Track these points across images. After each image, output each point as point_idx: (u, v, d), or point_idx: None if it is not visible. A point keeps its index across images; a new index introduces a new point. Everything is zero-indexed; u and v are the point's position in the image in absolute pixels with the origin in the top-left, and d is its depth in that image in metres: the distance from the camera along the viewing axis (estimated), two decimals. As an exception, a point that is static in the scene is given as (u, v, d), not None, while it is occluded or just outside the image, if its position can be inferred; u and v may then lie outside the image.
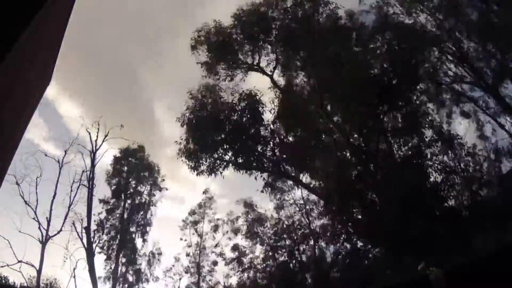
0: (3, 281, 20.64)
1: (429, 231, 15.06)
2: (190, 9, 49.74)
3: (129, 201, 31.88)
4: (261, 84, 23.90)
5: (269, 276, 26.41)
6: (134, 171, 32.42)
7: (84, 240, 26.56)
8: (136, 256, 30.61)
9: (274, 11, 21.93)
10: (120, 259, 29.77)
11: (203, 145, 21.24)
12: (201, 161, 21.51)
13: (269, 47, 22.69)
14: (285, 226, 27.28)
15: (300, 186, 24.55)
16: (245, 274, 27.34)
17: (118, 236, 30.03)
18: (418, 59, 20.41)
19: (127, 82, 51.75)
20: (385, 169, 19.77)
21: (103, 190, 32.29)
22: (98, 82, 47.02)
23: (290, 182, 25.79)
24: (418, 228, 15.10)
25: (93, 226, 28.14)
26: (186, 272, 30.56)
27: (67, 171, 32.92)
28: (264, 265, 27.07)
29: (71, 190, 27.52)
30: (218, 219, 31.36)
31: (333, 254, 24.17)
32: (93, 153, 28.79)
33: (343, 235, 21.77)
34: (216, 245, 30.39)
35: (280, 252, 26.68)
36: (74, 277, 26.10)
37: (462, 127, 23.74)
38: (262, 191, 22.29)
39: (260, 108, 22.20)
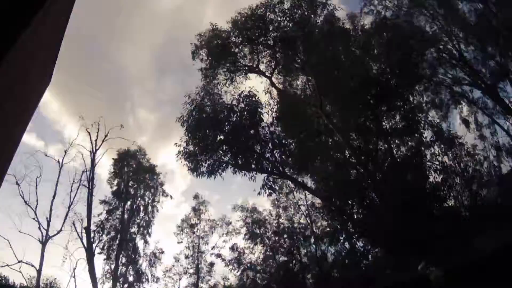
0: (3, 281, 20.64)
1: (429, 231, 15.06)
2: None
3: (129, 202, 31.85)
4: (260, 85, 23.91)
5: (269, 276, 26.42)
6: (134, 172, 32.39)
7: (84, 240, 26.57)
8: (137, 256, 30.59)
9: (272, 13, 21.94)
10: (120, 259, 29.76)
11: (203, 147, 21.24)
12: (200, 163, 21.52)
13: (268, 49, 22.71)
14: (285, 226, 27.29)
15: (299, 187, 24.54)
16: (245, 274, 27.34)
17: (118, 236, 30.01)
18: (417, 60, 20.43)
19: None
20: (384, 169, 19.79)
21: (103, 190, 32.33)
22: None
23: (289, 183, 25.78)
24: (418, 228, 15.11)
25: (93, 226, 28.19)
26: (185, 273, 30.58)
27: (67, 171, 32.91)
28: (264, 265, 27.08)
29: (71, 190, 27.57)
30: (213, 220, 31.42)
31: (333, 254, 24.18)
32: (93, 153, 28.82)
33: (343, 235, 21.79)
34: (213, 247, 30.45)
35: (280, 252, 26.69)
36: (74, 277, 26.15)
37: (461, 128, 23.75)
38: (259, 193, 22.32)
39: (259, 110, 22.22)
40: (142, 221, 31.83)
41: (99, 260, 28.67)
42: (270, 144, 22.18)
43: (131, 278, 29.91)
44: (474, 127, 23.51)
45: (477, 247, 13.85)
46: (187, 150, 21.43)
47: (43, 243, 25.32)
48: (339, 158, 20.73)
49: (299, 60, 22.34)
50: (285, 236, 26.80)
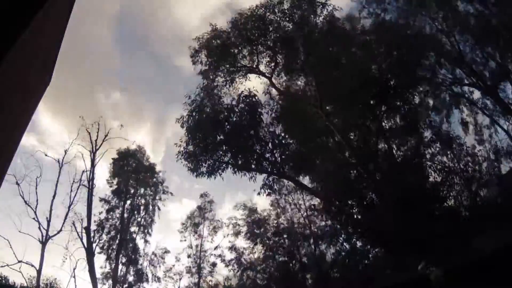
0: (3, 281, 20.62)
1: (429, 231, 15.06)
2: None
3: (129, 202, 31.87)
4: (260, 86, 23.93)
5: (269, 276, 26.43)
6: (134, 172, 32.40)
7: (84, 240, 26.57)
8: (137, 256, 30.59)
9: (272, 13, 21.95)
10: (120, 259, 29.76)
11: (203, 147, 21.26)
12: (200, 163, 21.53)
13: (268, 49, 22.72)
14: (285, 226, 27.30)
15: (299, 187, 24.55)
16: (245, 274, 27.35)
17: (118, 236, 30.02)
18: (416, 60, 20.44)
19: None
20: (384, 169, 19.79)
21: (103, 190, 32.34)
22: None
23: (289, 183, 25.79)
24: (418, 228, 15.11)
25: (93, 226, 28.20)
26: (187, 272, 30.58)
27: (67, 171, 32.92)
28: (264, 265, 27.08)
29: (71, 190, 27.57)
30: (218, 221, 31.42)
31: (333, 254, 24.17)
32: (93, 153, 28.83)
33: (343, 235, 21.80)
34: (216, 247, 30.45)
35: (280, 252, 26.70)
36: (74, 277, 26.15)
37: (461, 128, 23.74)
38: (259, 193, 22.34)
39: (259, 110, 22.24)
40: (143, 220, 31.85)
41: (99, 260, 28.73)
42: (270, 144, 22.21)
43: (131, 278, 29.94)
44: (474, 127, 23.52)
45: (477, 247, 13.85)
46: (187, 150, 21.45)
47: (43, 243, 25.32)
48: (339, 158, 20.72)
49: (298, 61, 22.35)
50: (285, 236, 26.80)
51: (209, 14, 53.31)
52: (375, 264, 20.04)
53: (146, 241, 31.32)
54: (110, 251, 29.44)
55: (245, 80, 23.68)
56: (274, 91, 23.59)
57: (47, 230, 25.79)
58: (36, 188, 26.35)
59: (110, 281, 28.74)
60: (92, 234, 27.36)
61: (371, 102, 19.75)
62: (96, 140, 29.04)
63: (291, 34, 21.42)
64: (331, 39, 21.08)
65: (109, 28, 49.42)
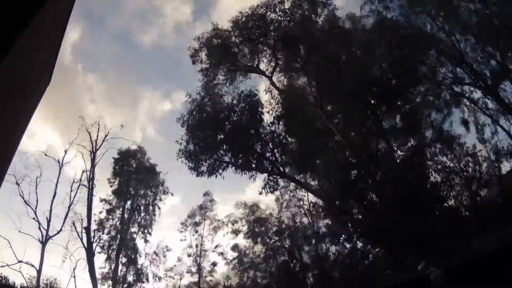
0: (3, 281, 20.63)
1: (429, 231, 15.06)
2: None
3: (129, 202, 31.85)
4: (260, 85, 23.95)
5: (270, 276, 26.43)
6: (134, 172, 32.39)
7: (84, 240, 26.58)
8: (137, 256, 30.60)
9: (273, 12, 21.95)
10: (120, 259, 29.76)
11: (203, 146, 21.27)
12: (201, 162, 21.53)
13: (268, 48, 22.72)
14: (285, 226, 27.30)
15: (300, 186, 24.56)
16: (246, 274, 27.36)
17: (118, 236, 30.02)
18: (417, 60, 20.42)
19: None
20: (385, 169, 19.78)
21: (103, 190, 32.33)
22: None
23: (290, 183, 25.79)
24: (418, 228, 15.10)
25: (93, 226, 28.20)
26: (188, 272, 30.58)
27: (67, 171, 32.93)
28: (265, 264, 27.09)
29: (71, 190, 27.59)
30: (219, 220, 31.39)
31: (334, 254, 24.18)
32: (93, 153, 28.82)
33: (344, 235, 21.79)
34: (216, 246, 30.43)
35: (280, 252, 26.71)
36: (74, 277, 26.15)
37: (461, 128, 23.71)
38: (260, 193, 22.35)
39: (259, 109, 22.23)
40: (143, 220, 31.83)
41: (99, 260, 28.72)
42: (270, 144, 22.20)
43: (131, 278, 29.93)
44: (474, 127, 23.48)
45: (477, 247, 13.85)
46: (188, 149, 21.45)
47: (43, 243, 25.33)
48: (339, 158, 20.70)
49: (299, 60, 22.35)
50: (286, 235, 26.81)
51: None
52: (375, 264, 20.02)
53: (146, 241, 31.32)
54: (110, 251, 29.44)
55: (246, 79, 23.72)
56: (274, 91, 23.61)
57: (47, 230, 25.83)
58: (36, 188, 26.44)
59: (110, 281, 28.73)
60: (92, 234, 27.36)
61: (372, 101, 19.73)
62: (96, 140, 29.09)
63: (292, 34, 21.41)
64: (331, 38, 21.07)
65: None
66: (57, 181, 27.54)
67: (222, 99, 22.61)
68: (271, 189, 22.98)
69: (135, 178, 32.27)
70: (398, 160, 20.43)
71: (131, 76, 54.16)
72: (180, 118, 21.77)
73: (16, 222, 28.05)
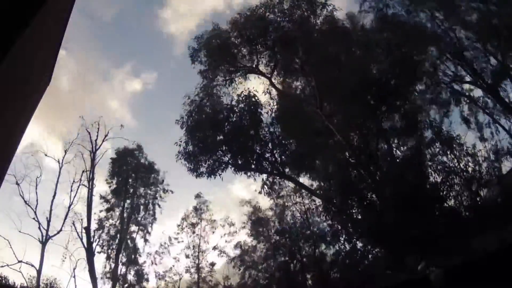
0: (3, 281, 20.63)
1: (429, 231, 15.06)
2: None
3: (128, 201, 31.81)
4: (260, 86, 23.94)
5: (270, 276, 26.42)
6: (133, 171, 32.34)
7: (84, 240, 26.58)
8: (137, 256, 30.57)
9: (272, 13, 21.94)
10: (120, 259, 29.74)
11: (202, 147, 21.25)
12: (200, 163, 21.52)
13: (267, 49, 22.72)
14: (285, 226, 27.29)
15: (299, 187, 24.55)
16: (246, 274, 27.35)
17: (118, 235, 30.00)
18: (417, 58, 20.41)
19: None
20: (385, 169, 19.78)
21: (103, 190, 32.28)
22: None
23: (289, 183, 25.79)
24: (418, 228, 15.10)
25: (93, 226, 28.20)
26: (186, 272, 30.57)
27: (67, 171, 32.94)
28: (265, 265, 27.08)
29: (71, 190, 27.60)
30: (214, 221, 31.42)
31: (334, 255, 24.16)
32: (93, 153, 28.82)
33: (343, 235, 21.78)
34: (214, 247, 30.44)
35: (280, 252, 26.69)
36: (74, 277, 26.15)
37: (461, 127, 23.71)
38: (259, 192, 22.35)
39: (259, 110, 22.22)
40: (142, 219, 31.80)
41: (99, 260, 28.71)
42: (270, 144, 22.19)
43: (131, 278, 29.92)
44: (474, 126, 23.46)
45: (477, 247, 13.85)
46: (187, 150, 21.44)
47: (43, 243, 25.33)
48: (339, 158, 20.70)
49: (298, 61, 22.35)
50: (286, 235, 26.79)
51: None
52: (375, 264, 20.02)
53: (146, 241, 31.30)
54: (110, 250, 29.43)
55: (245, 80, 23.71)
56: (274, 91, 23.61)
57: (47, 230, 25.83)
58: (36, 188, 26.45)
59: (110, 281, 28.71)
60: (92, 234, 27.36)
61: (371, 102, 19.72)
62: (96, 140, 29.09)
63: (291, 34, 21.40)
64: (331, 38, 21.08)
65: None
66: (57, 181, 27.60)
67: (221, 100, 22.62)
68: (270, 189, 23.03)
69: (134, 177, 32.22)
70: (398, 160, 20.42)
71: (96, 51, 52.48)
72: (178, 120, 21.76)
73: (16, 222, 27.99)
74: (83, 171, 28.36)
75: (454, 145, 19.93)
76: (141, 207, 32.12)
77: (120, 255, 29.78)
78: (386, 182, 18.29)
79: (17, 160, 24.90)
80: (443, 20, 22.78)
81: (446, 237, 14.86)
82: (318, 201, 24.72)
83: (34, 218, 25.66)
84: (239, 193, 59.01)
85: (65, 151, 28.47)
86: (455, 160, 19.74)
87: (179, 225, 31.69)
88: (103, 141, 29.26)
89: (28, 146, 29.55)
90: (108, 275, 28.78)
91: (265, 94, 23.68)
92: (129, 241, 30.77)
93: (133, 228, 31.40)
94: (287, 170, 22.68)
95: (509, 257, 10.56)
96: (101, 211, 29.99)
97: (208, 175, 21.63)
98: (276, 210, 27.93)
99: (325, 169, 21.32)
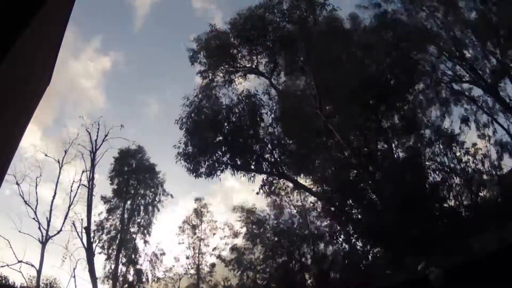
0: (3, 281, 20.62)
1: (429, 231, 15.06)
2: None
3: (129, 202, 31.80)
4: (259, 86, 23.94)
5: (269, 276, 26.39)
6: (134, 172, 32.33)
7: (84, 240, 26.56)
8: (137, 256, 30.55)
9: (271, 14, 21.94)
10: (120, 259, 29.71)
11: (202, 148, 21.24)
12: (199, 164, 21.51)
13: (267, 50, 22.72)
14: (284, 226, 27.25)
15: (299, 187, 24.53)
16: (245, 275, 27.31)
17: (118, 236, 29.98)
18: (416, 58, 20.43)
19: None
20: (384, 169, 19.78)
21: (103, 190, 32.30)
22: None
23: (289, 184, 25.76)
24: (418, 228, 15.11)
25: (93, 226, 28.16)
26: (186, 273, 30.55)
27: (67, 171, 32.96)
28: (264, 265, 27.04)
29: (71, 190, 27.57)
30: (215, 221, 31.44)
31: (333, 255, 24.14)
32: (93, 153, 28.80)
33: (343, 235, 21.77)
34: (214, 248, 30.44)
35: (279, 252, 26.65)
36: (74, 277, 26.11)
37: (461, 127, 23.68)
38: (257, 193, 22.36)
39: (258, 110, 22.21)
40: (143, 220, 31.78)
41: (99, 260, 28.70)
42: (269, 145, 22.19)
43: (131, 278, 29.88)
44: (474, 126, 23.46)
45: (477, 247, 13.86)
46: (186, 151, 21.43)
47: (43, 243, 25.30)
48: (339, 158, 20.71)
49: (298, 61, 22.35)
50: (285, 236, 26.76)
51: None
52: (375, 264, 20.01)
53: (146, 241, 31.27)
54: (110, 251, 29.40)
55: (244, 80, 23.71)
56: (273, 91, 23.60)
57: (47, 230, 25.79)
58: (36, 188, 26.40)
59: (110, 281, 28.69)
60: (92, 234, 27.34)
61: (371, 102, 19.73)
62: (96, 140, 29.07)
63: (291, 35, 21.41)
64: (330, 39, 21.08)
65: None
66: (57, 181, 27.57)
67: (220, 100, 22.61)
68: (269, 189, 23.02)
69: (135, 178, 32.20)
70: (397, 160, 20.42)
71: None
72: (178, 120, 21.76)
73: (16, 222, 28.01)
74: (83, 171, 28.37)
75: (454, 145, 19.95)
76: (142, 208, 32.12)
77: (120, 255, 29.77)
78: (385, 182, 18.30)
79: (17, 160, 24.89)
80: (443, 19, 22.78)
81: (446, 237, 14.87)
82: (317, 201, 24.72)
83: (34, 218, 25.63)
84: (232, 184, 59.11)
85: (65, 151, 28.43)
86: (455, 160, 19.76)
87: (180, 227, 31.72)
88: (103, 141, 29.24)
89: (28, 146, 29.56)
90: (108, 275, 28.73)
91: (264, 95, 23.70)
92: (129, 241, 30.74)
93: (133, 229, 31.39)
94: (286, 170, 22.66)
95: (509, 257, 10.57)
96: (100, 212, 30.00)
97: (207, 176, 21.64)
98: (274, 211, 27.90)
99: (324, 169, 21.31)
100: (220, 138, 21.54)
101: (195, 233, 31.43)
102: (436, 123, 21.89)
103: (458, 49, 22.37)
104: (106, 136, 29.24)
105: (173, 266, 30.86)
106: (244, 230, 28.55)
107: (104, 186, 31.42)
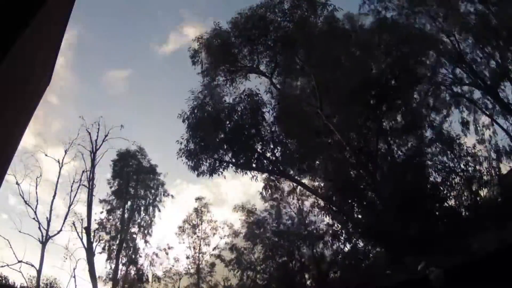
0: (3, 281, 20.63)
1: (429, 231, 15.07)
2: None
3: (129, 202, 31.79)
4: (260, 86, 23.92)
5: (269, 276, 26.41)
6: (134, 172, 32.32)
7: (84, 240, 26.57)
8: (137, 256, 30.56)
9: (272, 13, 21.94)
10: (120, 259, 29.72)
11: (204, 146, 21.25)
12: (201, 162, 21.51)
13: (268, 49, 22.71)
14: (285, 226, 27.27)
15: (300, 186, 24.55)
16: (245, 274, 27.33)
17: (119, 236, 29.99)
18: (417, 60, 20.43)
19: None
20: (384, 169, 19.80)
21: (103, 190, 32.33)
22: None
23: (290, 183, 25.79)
24: (418, 228, 15.11)
25: (93, 226, 28.17)
26: (186, 273, 30.56)
27: (67, 171, 32.95)
28: (264, 265, 27.06)
29: (71, 190, 27.57)
30: (216, 221, 31.44)
31: (333, 255, 24.15)
32: (93, 153, 28.80)
33: (343, 235, 21.79)
34: (214, 248, 30.44)
35: (279, 252, 26.67)
36: (74, 277, 26.12)
37: (461, 128, 23.71)
38: (260, 193, 22.38)
39: (260, 109, 22.23)
40: (143, 221, 31.78)
41: (99, 260, 28.70)
42: (270, 144, 22.19)
43: (131, 278, 29.89)
44: (474, 127, 23.50)
45: (477, 246, 13.86)
46: (188, 148, 21.43)
47: (43, 243, 25.30)
48: (339, 158, 20.71)
49: (299, 61, 22.35)
50: (285, 236, 26.77)
51: None
52: (375, 264, 20.03)
53: (146, 242, 31.28)
54: (110, 251, 29.41)
55: (245, 80, 23.70)
56: (274, 91, 23.59)
57: (47, 230, 25.80)
58: (36, 188, 26.41)
59: (110, 281, 28.70)
60: (92, 234, 27.34)
61: (371, 102, 19.74)
62: (96, 140, 29.08)
63: (292, 34, 21.41)
64: (331, 39, 21.08)
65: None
66: (57, 181, 27.57)
67: (223, 99, 22.60)
68: (271, 189, 23.03)
69: (135, 178, 32.20)
70: (398, 160, 20.43)
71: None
72: (181, 115, 21.75)
73: (16, 222, 28.06)
74: (83, 171, 28.36)
75: (454, 146, 19.98)
76: (142, 208, 32.13)
77: (120, 255, 29.78)
78: (386, 182, 18.30)
79: (17, 160, 24.89)
80: (442, 22, 22.82)
81: (446, 237, 14.88)
82: (318, 201, 24.74)
83: (34, 218, 25.63)
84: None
85: (65, 151, 28.44)
86: (455, 160, 19.79)
87: (180, 227, 31.71)
88: (103, 141, 29.24)
89: (28, 146, 29.57)
90: (108, 275, 28.74)
91: (266, 94, 23.69)
92: (129, 241, 30.75)
93: (134, 229, 31.39)
94: (287, 169, 22.67)
95: (509, 257, 10.57)
96: (101, 212, 30.00)
97: (209, 174, 21.65)
98: (274, 210, 27.90)
99: (325, 168, 21.32)
100: (222, 136, 21.55)
101: (195, 233, 31.45)
102: (436, 124, 21.94)
103: (458, 51, 22.41)
104: (106, 136, 29.26)
105: (173, 266, 30.92)
106: (244, 230, 28.61)
107: (104, 186, 31.39)
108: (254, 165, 21.96)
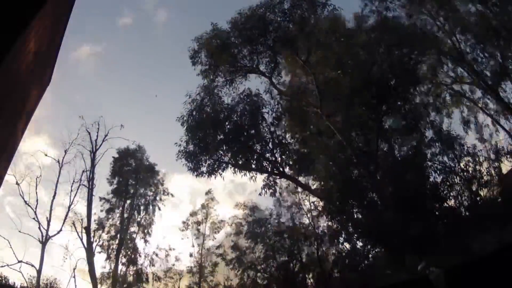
0: (3, 281, 20.64)
1: (429, 231, 15.06)
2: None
3: (129, 201, 31.78)
4: (260, 86, 23.94)
5: (270, 276, 26.40)
6: (134, 171, 32.31)
7: (84, 240, 26.58)
8: (137, 256, 30.54)
9: (272, 13, 21.92)
10: (120, 259, 29.72)
11: (203, 146, 21.25)
12: (200, 163, 21.52)
13: (268, 49, 22.70)
14: (285, 226, 27.26)
15: (300, 187, 24.54)
16: (246, 274, 27.31)
17: (118, 235, 29.99)
18: (417, 60, 20.43)
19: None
20: (385, 169, 19.78)
21: (103, 190, 32.32)
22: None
23: (290, 183, 25.76)
24: (418, 228, 15.10)
25: (93, 226, 28.17)
26: (188, 272, 30.48)
27: (67, 171, 32.96)
28: (265, 265, 27.05)
29: (71, 190, 27.59)
30: (221, 221, 31.33)
31: (334, 254, 24.13)
32: (93, 153, 28.82)
33: (344, 235, 21.77)
34: (217, 247, 30.36)
35: (280, 252, 26.66)
36: (74, 277, 26.14)
37: (462, 127, 23.72)
38: (260, 193, 22.37)
39: (259, 109, 22.22)
40: (143, 220, 31.77)
41: (99, 260, 28.70)
42: (270, 144, 22.19)
43: (131, 278, 29.89)
44: (474, 126, 23.51)
45: (477, 247, 13.85)
46: (187, 150, 21.44)
47: (43, 243, 25.32)
48: (339, 158, 20.70)
49: (299, 60, 22.34)
50: (286, 236, 26.77)
51: None
52: (375, 264, 20.02)
53: (146, 241, 31.26)
54: (110, 251, 29.41)
55: (245, 80, 23.70)
56: (274, 91, 23.59)
57: (47, 230, 25.82)
58: (36, 188, 26.42)
59: (110, 281, 28.70)
60: (92, 234, 27.35)
61: (372, 102, 19.73)
62: (96, 140, 29.09)
63: (291, 34, 21.40)
64: (331, 39, 21.07)
65: None
66: (57, 181, 27.57)
67: (222, 99, 22.60)
68: (271, 189, 23.00)
69: (135, 177, 32.18)
70: (398, 160, 20.42)
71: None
72: (179, 118, 21.77)
73: (16, 222, 28.06)
74: (83, 171, 28.39)
75: (455, 145, 19.97)
76: (141, 207, 32.10)
77: (120, 255, 29.77)
78: (386, 182, 18.30)
79: (17, 160, 24.91)
80: (443, 21, 22.83)
81: (446, 237, 14.88)
82: (318, 201, 24.73)
83: (34, 218, 25.66)
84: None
85: (65, 151, 28.45)
86: (455, 160, 19.79)
87: (184, 222, 31.53)
88: (103, 141, 29.28)
89: (28, 146, 29.59)
90: (108, 275, 28.71)
91: (266, 94, 23.68)
92: (129, 241, 30.74)
93: (133, 228, 31.37)
94: (287, 169, 22.68)
95: (509, 257, 10.55)
96: (101, 210, 30.01)
97: (209, 175, 21.65)
98: (275, 210, 27.90)
99: (325, 169, 21.30)
100: (221, 137, 21.54)
101: (198, 230, 31.30)
102: (437, 124, 21.94)
103: (459, 51, 22.41)
104: (106, 136, 29.28)
105: (173, 265, 30.89)
106: (245, 229, 28.56)
107: (104, 186, 31.42)
108: (253, 166, 21.96)
